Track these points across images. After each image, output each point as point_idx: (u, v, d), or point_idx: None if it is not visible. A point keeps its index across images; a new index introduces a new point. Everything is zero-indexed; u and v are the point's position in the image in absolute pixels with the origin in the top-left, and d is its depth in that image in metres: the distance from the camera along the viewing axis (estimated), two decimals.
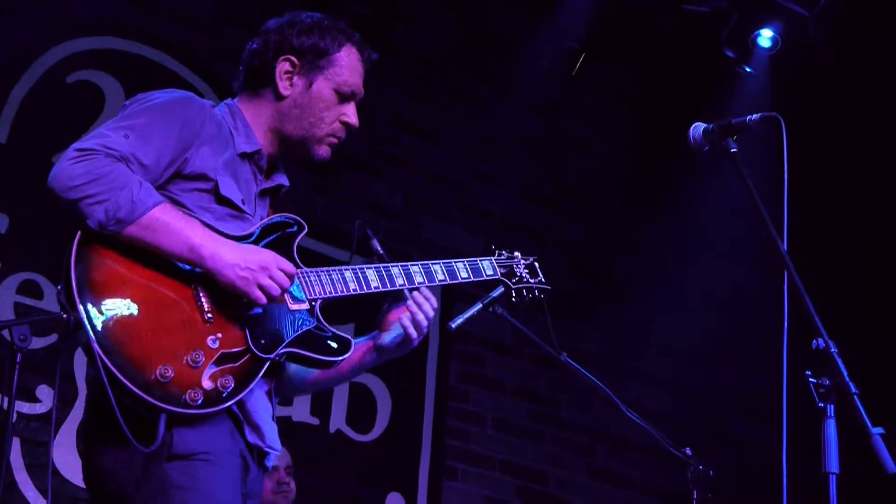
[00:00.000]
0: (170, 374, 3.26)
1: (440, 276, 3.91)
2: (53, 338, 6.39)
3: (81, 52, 6.91)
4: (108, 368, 3.22)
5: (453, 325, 5.55)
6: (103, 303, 3.30)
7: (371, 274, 3.74)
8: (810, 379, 3.26)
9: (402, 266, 3.83)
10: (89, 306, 3.29)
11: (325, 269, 3.65)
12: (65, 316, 3.31)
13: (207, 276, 3.40)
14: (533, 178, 8.46)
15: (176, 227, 3.36)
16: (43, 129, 6.67)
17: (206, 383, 3.30)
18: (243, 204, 3.57)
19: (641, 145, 8.74)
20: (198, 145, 3.53)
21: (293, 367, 3.76)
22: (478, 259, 4.17)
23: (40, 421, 6.32)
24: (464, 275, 4.04)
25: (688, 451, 5.65)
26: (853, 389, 3.21)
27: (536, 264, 4.25)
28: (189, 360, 3.30)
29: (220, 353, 3.35)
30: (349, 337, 3.59)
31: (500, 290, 5.60)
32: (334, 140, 3.78)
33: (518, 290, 4.18)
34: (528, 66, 8.02)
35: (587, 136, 8.75)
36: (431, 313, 3.83)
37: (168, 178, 3.50)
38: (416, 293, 3.80)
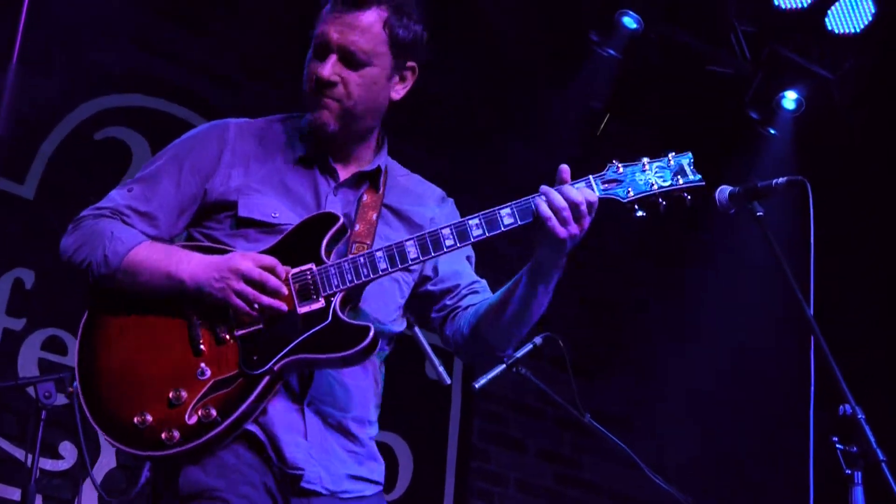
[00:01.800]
0: (148, 419, 3.24)
1: (476, 232, 3.40)
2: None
3: (109, 109, 6.95)
4: (93, 425, 3.28)
5: (477, 385, 5.56)
6: (95, 362, 3.35)
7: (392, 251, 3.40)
8: (837, 445, 3.25)
9: (430, 233, 3.42)
10: (84, 367, 3.35)
11: (350, 257, 3.37)
12: (70, 389, 3.38)
13: (198, 302, 3.33)
14: None
15: (152, 261, 3.35)
16: (70, 185, 6.70)
17: (191, 418, 3.23)
18: (275, 217, 3.45)
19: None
20: (221, 171, 3.51)
21: (461, 324, 3.57)
22: (533, 197, 3.41)
23: (62, 478, 6.31)
24: (508, 221, 3.40)
25: None
26: (881, 457, 3.19)
27: (685, 161, 3.47)
28: (171, 399, 3.25)
29: (211, 382, 3.27)
30: (367, 324, 3.30)
31: (527, 348, 5.63)
32: (319, 101, 3.49)
33: (642, 201, 3.45)
34: (552, 122, 8.03)
35: None
36: (568, 210, 3.30)
37: (197, 212, 3.51)
38: (541, 205, 3.31)
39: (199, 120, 7.20)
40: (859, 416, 3.25)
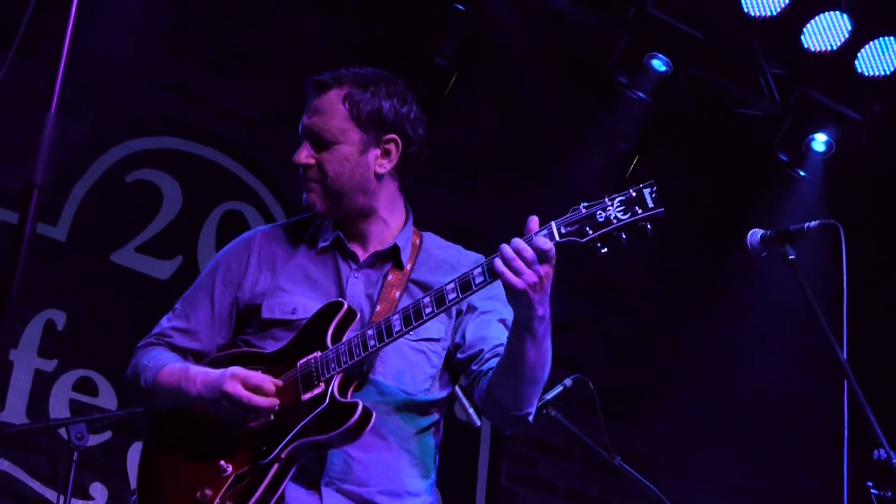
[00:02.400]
0: None
1: (451, 297, 3.36)
2: (107, 435, 6.43)
3: (140, 151, 6.99)
4: None
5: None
6: (145, 474, 3.64)
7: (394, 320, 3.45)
8: (872, 490, 3.23)
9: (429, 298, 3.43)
10: (140, 480, 3.66)
11: (346, 340, 3.45)
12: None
13: None
14: (581, 276, 8.46)
15: (171, 384, 3.57)
16: (102, 227, 6.75)
17: None
18: (293, 314, 3.58)
19: (693, 246, 8.73)
20: (249, 278, 3.69)
21: (482, 390, 3.59)
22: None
23: None
24: (479, 280, 3.34)
25: None
26: None
27: (646, 192, 3.36)
28: (198, 498, 3.42)
29: (232, 478, 3.42)
30: (357, 401, 3.37)
31: (557, 390, 5.63)
32: (304, 185, 3.65)
33: (603, 238, 3.34)
34: (580, 165, 8.04)
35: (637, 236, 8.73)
36: (518, 259, 3.26)
37: (237, 321, 3.70)
38: (496, 260, 3.28)
39: (229, 161, 7.25)
40: (894, 461, 3.24)
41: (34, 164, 2.25)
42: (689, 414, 8.40)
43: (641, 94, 7.59)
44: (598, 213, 3.29)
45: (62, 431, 5.74)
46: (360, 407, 3.34)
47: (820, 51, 7.38)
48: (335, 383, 3.41)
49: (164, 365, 3.61)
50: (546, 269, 3.26)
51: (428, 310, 3.35)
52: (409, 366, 3.56)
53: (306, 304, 3.58)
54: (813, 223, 3.86)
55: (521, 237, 3.31)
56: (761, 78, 7.79)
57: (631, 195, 3.30)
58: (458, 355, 3.63)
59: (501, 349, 3.56)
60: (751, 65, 7.74)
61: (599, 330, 8.48)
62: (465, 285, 3.33)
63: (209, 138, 7.22)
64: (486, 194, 8.09)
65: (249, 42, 7.43)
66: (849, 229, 3.88)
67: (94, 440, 5.95)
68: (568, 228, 3.30)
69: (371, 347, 3.39)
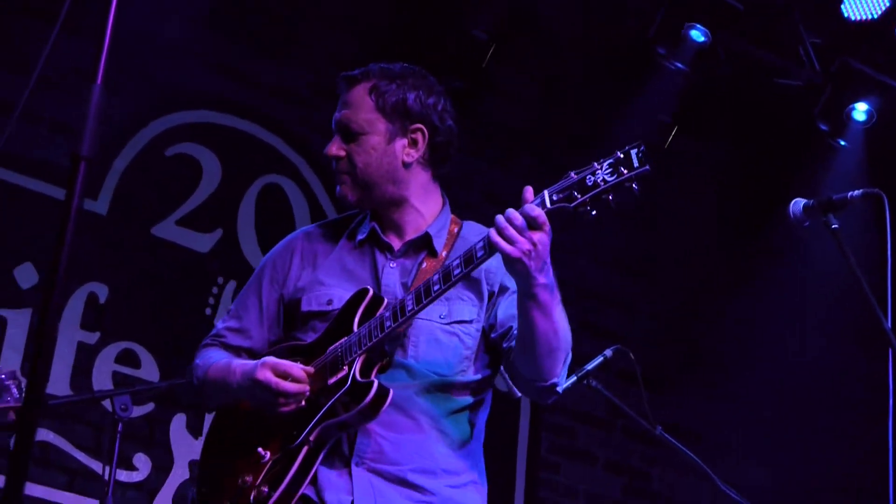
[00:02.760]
0: None
1: (456, 272, 3.42)
2: (150, 407, 6.49)
3: (179, 125, 7.03)
4: None
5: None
6: (201, 467, 3.86)
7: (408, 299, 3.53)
8: None
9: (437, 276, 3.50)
10: (199, 473, 3.88)
11: (367, 324, 3.54)
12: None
13: None
14: (623, 249, 8.45)
15: (216, 380, 3.72)
16: (142, 200, 6.79)
17: (252, 498, 3.53)
18: (329, 305, 3.68)
19: (733, 217, 8.70)
20: (293, 275, 3.81)
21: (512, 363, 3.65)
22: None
23: (137, 489, 6.38)
24: (480, 254, 3.39)
25: None
26: None
27: (633, 152, 3.29)
28: (240, 485, 3.55)
29: (269, 463, 3.55)
30: (373, 380, 3.47)
31: (598, 360, 5.64)
32: (336, 177, 3.78)
33: (592, 200, 3.29)
34: (619, 136, 8.00)
35: (677, 208, 8.72)
36: (510, 227, 3.30)
37: (286, 318, 3.80)
38: (491, 231, 3.33)
39: (268, 135, 7.27)
40: None
41: (81, 137, 2.26)
42: (731, 387, 8.38)
43: (680, 65, 7.55)
44: (587, 177, 3.29)
45: (106, 403, 5.80)
46: (376, 385, 3.43)
47: (860, 20, 7.32)
48: (357, 365, 3.50)
49: (213, 362, 3.76)
50: (538, 236, 3.29)
51: (436, 287, 3.42)
52: (442, 348, 3.61)
53: (342, 296, 3.67)
54: (856, 192, 3.83)
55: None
56: (801, 48, 7.74)
57: (619, 157, 3.29)
58: (492, 335, 3.67)
59: None
60: (791, 34, 7.68)
61: (642, 303, 8.47)
62: (469, 259, 3.39)
63: (248, 112, 7.24)
64: (528, 167, 8.08)
65: (288, 18, 7.43)
66: (891, 199, 3.86)
67: (137, 412, 6.00)
68: (559, 195, 3.32)
69: (387, 328, 3.47)
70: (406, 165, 3.72)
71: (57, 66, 6.30)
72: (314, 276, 3.75)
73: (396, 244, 3.75)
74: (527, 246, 3.27)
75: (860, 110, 7.68)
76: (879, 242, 3.79)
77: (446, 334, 3.62)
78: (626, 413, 5.78)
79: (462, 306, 3.61)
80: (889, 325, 3.52)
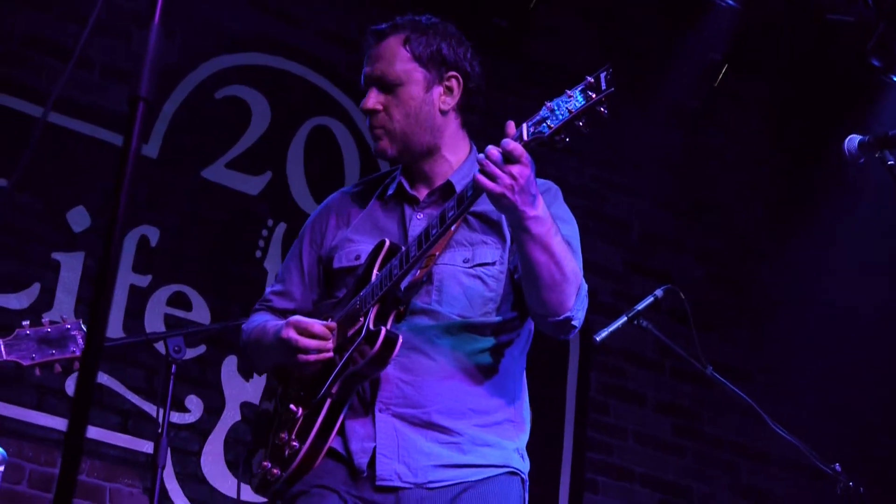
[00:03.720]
0: (266, 465, 3.65)
1: (451, 214, 3.45)
2: (202, 349, 6.54)
3: (229, 68, 7.04)
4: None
5: (598, 338, 5.59)
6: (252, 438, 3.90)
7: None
8: None
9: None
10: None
11: (380, 273, 3.59)
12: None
13: None
14: (672, 190, 8.41)
15: (255, 341, 3.82)
16: (192, 143, 6.82)
17: (286, 454, 3.61)
18: (357, 260, 3.72)
19: (785, 157, 8.64)
20: (329, 235, 3.87)
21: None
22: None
23: (189, 430, 6.45)
24: (469, 193, 3.42)
25: (837, 466, 5.58)
26: None
27: (602, 75, 3.36)
28: (277, 443, 3.63)
29: (301, 419, 3.61)
30: (381, 327, 3.50)
31: (648, 300, 5.63)
32: (373, 132, 3.78)
33: (566, 127, 3.34)
34: (669, 76, 7.97)
35: (728, 148, 8.67)
36: (490, 163, 3.32)
37: (326, 278, 3.86)
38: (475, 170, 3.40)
39: (317, 77, 7.28)
40: None
41: (139, 78, 2.26)
42: (782, 327, 8.35)
43: (731, 2, 7.48)
44: (561, 105, 3.33)
45: (159, 345, 5.85)
46: (383, 333, 3.46)
47: None
48: (371, 315, 3.54)
49: (255, 325, 3.85)
50: (518, 169, 3.30)
51: (434, 231, 3.45)
52: (466, 291, 3.62)
53: (369, 250, 3.72)
54: None
55: None
56: None
57: (589, 81, 3.35)
58: (516, 276, 3.66)
59: None
60: None
61: (694, 245, 8.44)
62: (461, 199, 3.43)
63: (297, 54, 7.24)
64: None
65: None
66: None
67: (189, 353, 6.05)
68: (535, 127, 3.35)
69: (395, 276, 3.51)
70: (443, 113, 3.75)
71: (106, 9, 6.31)
72: (346, 234, 3.82)
73: (423, 195, 3.78)
74: (508, 180, 3.29)
75: None
76: None
77: (469, 277, 3.63)
78: (677, 353, 5.78)
79: (485, 250, 3.64)
80: None
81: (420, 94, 3.73)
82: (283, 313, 3.84)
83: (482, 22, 7.52)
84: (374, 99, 3.74)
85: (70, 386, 6.14)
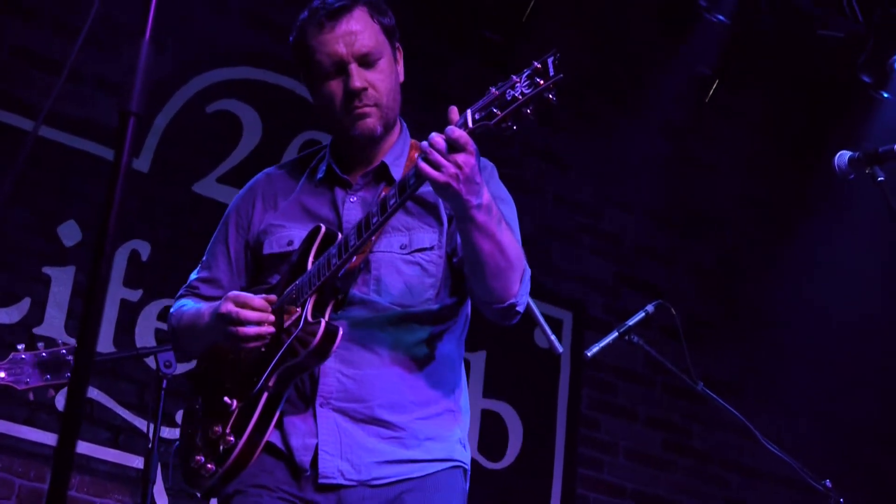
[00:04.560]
0: (199, 459, 3.51)
1: (392, 202, 3.33)
2: (192, 364, 6.51)
3: (220, 82, 7.04)
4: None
5: (589, 354, 5.59)
6: (181, 428, 3.77)
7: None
8: None
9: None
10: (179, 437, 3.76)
11: (317, 261, 3.47)
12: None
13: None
14: (664, 203, 8.42)
15: (189, 323, 3.67)
16: (183, 157, 6.81)
17: (220, 449, 3.48)
18: (290, 245, 3.61)
19: (774, 171, 8.66)
20: (256, 219, 3.74)
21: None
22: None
23: None
24: (412, 182, 3.30)
25: (828, 483, 5.58)
26: None
27: (549, 60, 3.23)
28: (210, 436, 3.50)
29: (236, 412, 3.49)
30: (320, 319, 3.39)
31: (639, 316, 5.63)
32: (358, 111, 3.57)
33: (513, 115, 3.20)
34: (660, 90, 7.99)
35: (719, 161, 8.69)
36: (434, 152, 3.22)
37: (254, 263, 3.74)
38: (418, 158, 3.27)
39: (307, 91, 7.26)
40: None
41: (130, 92, 2.25)
42: (772, 342, 8.36)
43: (721, 17, 7.51)
44: (507, 92, 3.19)
45: (150, 360, 5.83)
46: (323, 325, 3.36)
47: None
48: (308, 306, 3.42)
49: (186, 310, 3.72)
50: (463, 158, 3.19)
51: (375, 219, 3.33)
52: (406, 279, 3.54)
53: (302, 235, 3.60)
54: None
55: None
56: None
57: (536, 67, 3.20)
58: (454, 260, 3.60)
59: None
60: None
61: (685, 258, 8.45)
62: (402, 188, 3.31)
63: (288, 68, 7.24)
64: (568, 122, 8.05)
65: None
66: None
67: (180, 369, 6.02)
68: (480, 114, 3.21)
69: (333, 266, 3.39)
70: (401, 86, 3.68)
71: (97, 22, 6.31)
72: (275, 219, 3.70)
73: (355, 177, 3.66)
74: (452, 169, 3.19)
75: None
76: None
77: (407, 264, 3.54)
78: (668, 368, 5.77)
79: (422, 234, 3.54)
80: None
81: (392, 66, 3.63)
82: (211, 301, 3.69)
83: (474, 37, 7.55)
84: (361, 77, 3.55)
85: (60, 401, 6.12)
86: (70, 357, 4.46)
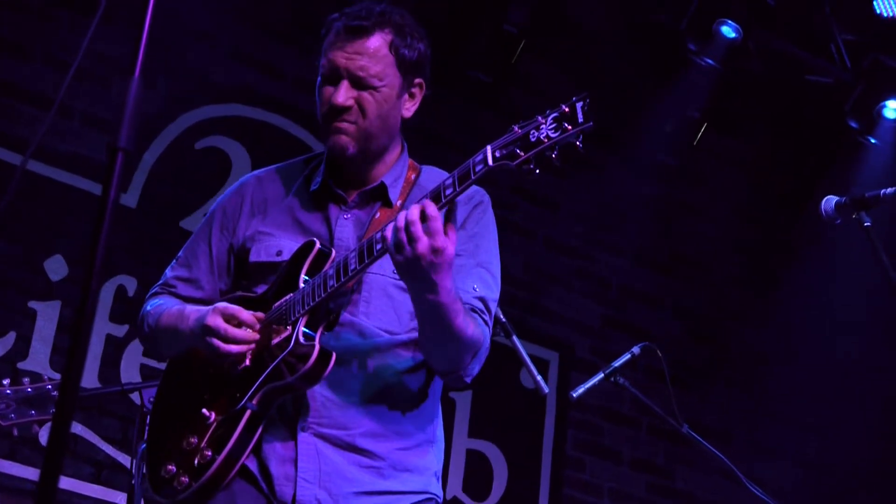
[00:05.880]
0: (171, 469, 3.43)
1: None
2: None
3: (209, 119, 7.05)
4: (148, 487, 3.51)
5: (574, 395, 5.57)
6: (148, 433, 3.65)
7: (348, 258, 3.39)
8: None
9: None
10: (149, 430, 3.66)
11: (312, 280, 3.40)
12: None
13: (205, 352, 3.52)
14: (652, 246, 8.43)
15: (169, 325, 3.57)
16: (171, 194, 6.81)
17: (196, 462, 3.39)
18: (279, 256, 3.55)
19: (763, 215, 8.68)
20: (242, 223, 3.67)
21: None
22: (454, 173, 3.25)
23: None
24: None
25: None
26: None
27: (578, 105, 3.17)
28: (185, 447, 3.41)
29: (214, 425, 3.41)
30: (314, 343, 3.32)
31: (625, 357, 5.63)
32: (336, 126, 3.55)
33: (536, 158, 3.14)
34: (650, 133, 8.02)
35: (708, 205, 8.71)
36: (399, 225, 3.18)
37: (237, 267, 3.67)
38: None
39: (296, 129, 7.29)
40: None
41: (118, 128, 2.26)
42: (759, 385, 8.37)
43: (711, 62, 7.55)
44: (531, 132, 3.15)
45: (134, 396, 5.80)
46: (317, 349, 3.30)
47: (892, 16, 7.30)
48: (300, 326, 3.37)
49: (166, 309, 3.62)
50: (421, 245, 3.14)
51: (378, 245, 3.26)
52: (395, 305, 3.51)
53: (292, 247, 3.54)
54: (889, 190, 3.81)
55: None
56: (832, 44, 7.73)
57: (563, 110, 3.15)
58: None
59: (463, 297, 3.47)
60: (822, 31, 7.68)
61: (672, 301, 8.45)
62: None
63: (277, 105, 7.26)
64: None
65: (317, 11, 7.43)
66: None
67: None
68: (501, 152, 3.16)
69: (330, 287, 3.33)
70: (404, 120, 3.65)
71: (88, 57, 6.32)
72: (263, 225, 3.63)
73: (351, 194, 3.62)
74: (408, 253, 3.15)
75: (891, 108, 7.69)
76: None
77: (399, 290, 3.49)
78: (653, 410, 5.76)
79: None
80: None
81: (392, 100, 3.59)
82: (189, 301, 3.65)
83: (464, 78, 7.57)
84: (346, 94, 3.55)
85: (44, 436, 6.10)
86: (55, 393, 4.43)
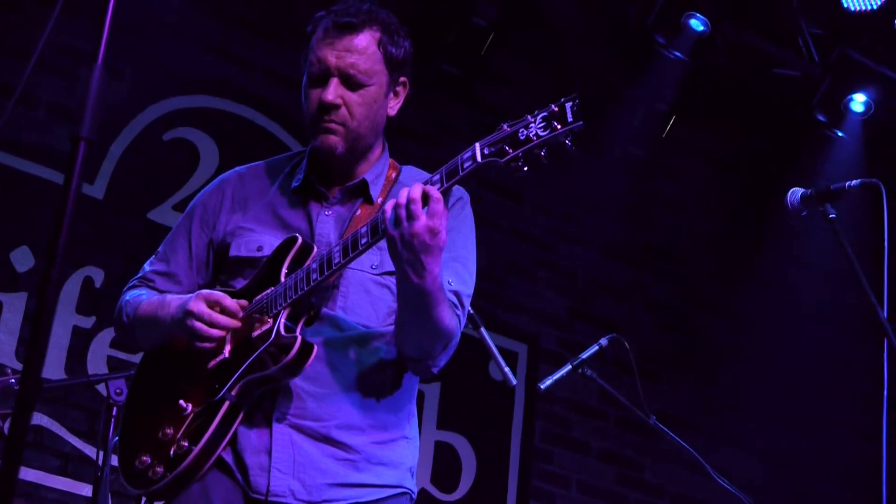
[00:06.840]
0: (145, 460, 3.43)
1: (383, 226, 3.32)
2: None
3: (177, 110, 7.02)
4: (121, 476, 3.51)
5: (542, 387, 5.58)
6: (122, 423, 3.65)
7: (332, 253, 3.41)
8: None
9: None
10: (123, 422, 3.65)
11: (294, 274, 3.43)
12: None
13: (184, 342, 3.52)
14: (620, 238, 8.45)
15: (149, 314, 3.58)
16: (139, 185, 6.78)
17: (171, 452, 3.40)
18: (259, 251, 3.57)
19: (730, 207, 8.71)
20: (223, 218, 3.68)
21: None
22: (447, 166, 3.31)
23: None
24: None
25: None
26: None
27: (568, 105, 3.20)
28: (160, 438, 3.42)
29: (191, 416, 3.42)
30: (295, 335, 3.36)
31: (593, 349, 5.64)
32: (325, 125, 3.55)
33: (524, 156, 3.18)
34: (618, 126, 8.03)
35: (676, 197, 8.73)
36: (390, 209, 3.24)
37: (216, 262, 3.68)
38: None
39: (265, 120, 7.27)
40: None
41: (81, 118, 2.25)
42: (726, 377, 8.40)
43: (679, 54, 7.57)
44: (520, 131, 3.18)
45: (101, 387, 5.78)
46: (299, 341, 3.33)
47: (860, 10, 7.33)
48: (282, 318, 3.39)
49: (145, 300, 3.64)
50: (418, 225, 3.18)
51: (364, 240, 3.29)
52: (373, 300, 3.53)
53: (273, 242, 3.56)
54: (854, 182, 3.83)
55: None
56: (800, 38, 7.75)
57: (553, 110, 3.18)
58: None
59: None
60: (790, 25, 7.70)
61: (641, 293, 8.47)
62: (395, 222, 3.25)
63: (245, 97, 7.24)
64: None
65: (286, 2, 7.42)
66: (889, 189, 3.86)
67: None
68: (490, 149, 3.20)
69: (313, 281, 3.36)
70: (389, 118, 3.67)
71: (54, 48, 6.29)
72: (244, 221, 3.65)
73: (333, 191, 3.64)
74: (405, 231, 3.18)
75: (858, 101, 7.71)
76: (876, 233, 3.79)
77: (376, 286, 3.53)
78: (621, 402, 5.77)
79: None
80: (885, 315, 3.52)
81: (380, 99, 3.61)
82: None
83: (432, 70, 7.57)
84: (337, 92, 3.54)
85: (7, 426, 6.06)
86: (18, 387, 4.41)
